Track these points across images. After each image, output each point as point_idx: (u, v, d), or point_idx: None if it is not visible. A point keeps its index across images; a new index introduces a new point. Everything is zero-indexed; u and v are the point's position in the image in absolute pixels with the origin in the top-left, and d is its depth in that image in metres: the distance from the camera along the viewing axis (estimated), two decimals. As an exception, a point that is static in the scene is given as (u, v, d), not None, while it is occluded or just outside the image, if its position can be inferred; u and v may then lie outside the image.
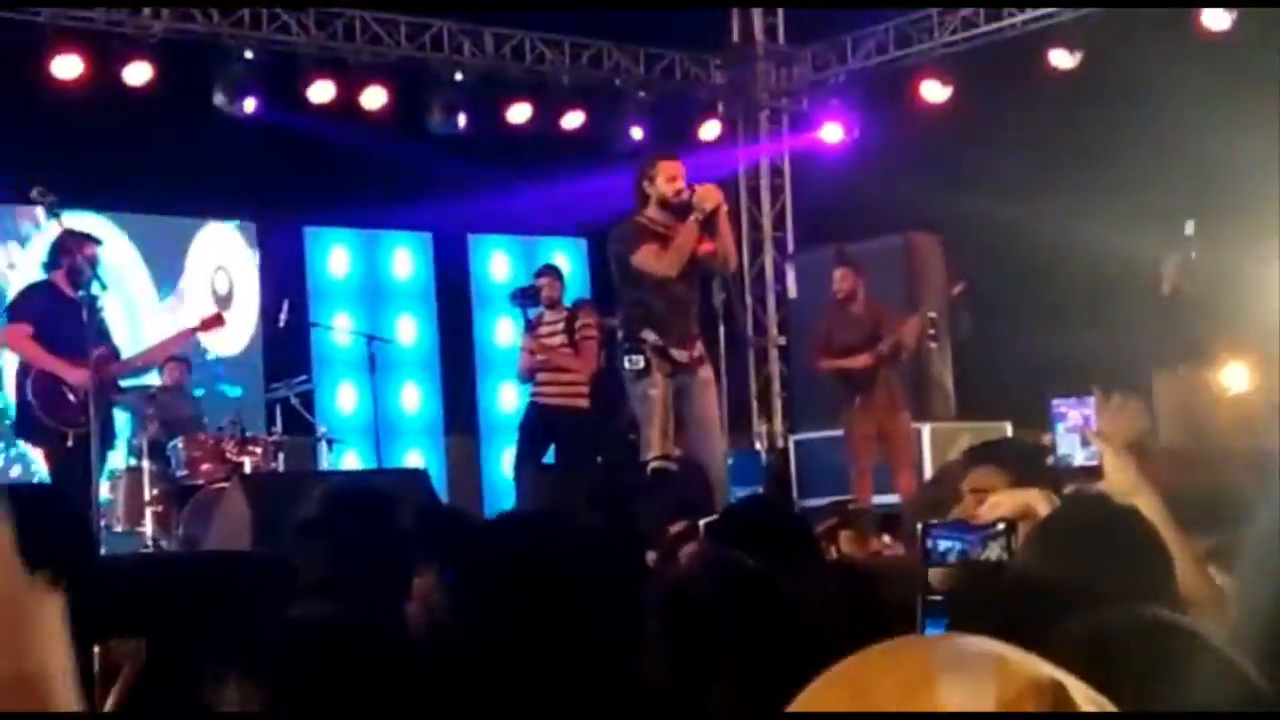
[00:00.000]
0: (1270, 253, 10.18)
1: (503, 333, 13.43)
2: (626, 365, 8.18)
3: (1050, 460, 2.78)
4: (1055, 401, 2.77)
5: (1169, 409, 9.89)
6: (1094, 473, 2.68)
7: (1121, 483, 2.54)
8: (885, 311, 10.58)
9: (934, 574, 2.41)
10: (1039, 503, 2.69)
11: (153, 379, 9.90)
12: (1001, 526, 2.69)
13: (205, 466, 9.52)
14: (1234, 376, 10.70)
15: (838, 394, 10.57)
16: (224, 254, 12.78)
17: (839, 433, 10.89)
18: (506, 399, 13.27)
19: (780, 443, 13.26)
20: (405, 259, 13.48)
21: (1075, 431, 2.74)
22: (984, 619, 1.67)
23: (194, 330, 9.71)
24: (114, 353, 8.80)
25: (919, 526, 2.77)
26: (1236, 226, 10.13)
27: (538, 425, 10.37)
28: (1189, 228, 10.35)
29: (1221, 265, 9.99)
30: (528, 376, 10.55)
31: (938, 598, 2.52)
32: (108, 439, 8.70)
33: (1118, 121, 11.27)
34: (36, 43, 10.97)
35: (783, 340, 14.02)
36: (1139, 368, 10.07)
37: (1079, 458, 2.72)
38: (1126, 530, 2.22)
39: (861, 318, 10.46)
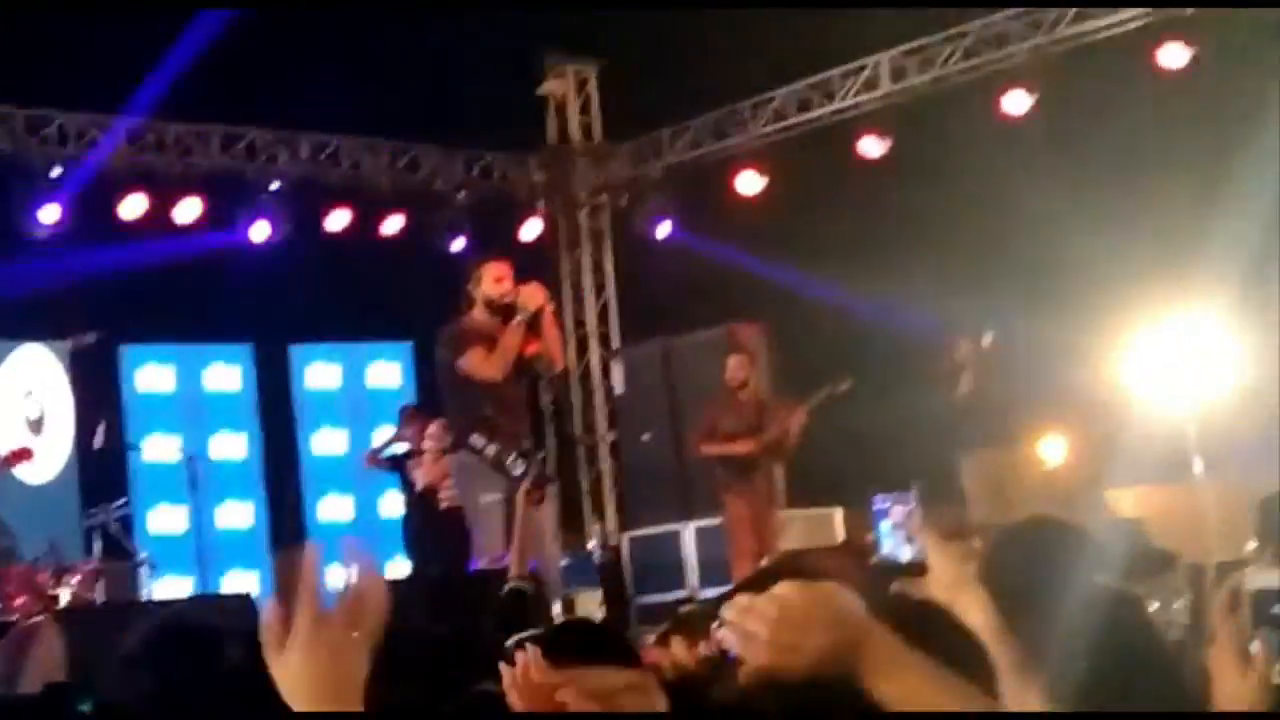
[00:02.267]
0: (1086, 326, 10.44)
1: (326, 443, 13.21)
2: (454, 471, 8.07)
3: (874, 559, 2.75)
4: (877, 498, 2.74)
5: (980, 489, 10.04)
6: (919, 569, 2.64)
7: (946, 579, 2.49)
8: (771, 401, 10.63)
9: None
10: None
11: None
12: None
13: (19, 600, 9.12)
14: (1050, 450, 10.90)
15: (720, 481, 10.53)
16: (36, 377, 12.37)
17: (673, 528, 10.85)
18: (332, 510, 13.03)
19: (614, 541, 13.18)
20: (224, 372, 13.17)
21: (900, 528, 2.71)
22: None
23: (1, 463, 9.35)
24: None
25: (713, 628, 2.72)
26: (1056, 299, 10.37)
27: None
28: (987, 339, 10.54)
29: (1039, 337, 10.20)
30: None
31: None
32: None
33: (929, 205, 11.50)
34: None
35: (613, 436, 13.98)
36: (951, 449, 10.24)
37: (904, 554, 2.69)
38: (940, 637, 2.17)
39: (748, 406, 10.50)
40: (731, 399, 10.56)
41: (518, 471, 7.76)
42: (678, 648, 4.86)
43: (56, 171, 11.64)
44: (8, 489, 10.79)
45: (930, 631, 2.12)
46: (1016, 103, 11.43)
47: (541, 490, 7.34)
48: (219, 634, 3.89)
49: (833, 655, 1.83)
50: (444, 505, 10.00)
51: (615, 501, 13.84)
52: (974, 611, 2.35)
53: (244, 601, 7.71)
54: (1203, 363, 10.21)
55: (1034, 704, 2.23)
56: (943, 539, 2.56)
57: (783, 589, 1.83)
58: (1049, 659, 2.31)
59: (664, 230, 13.50)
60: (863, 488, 10.76)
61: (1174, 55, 10.78)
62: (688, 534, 11.36)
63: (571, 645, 2.28)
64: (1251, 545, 4.59)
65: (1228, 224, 9.47)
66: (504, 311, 8.00)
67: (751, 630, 1.84)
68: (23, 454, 9.20)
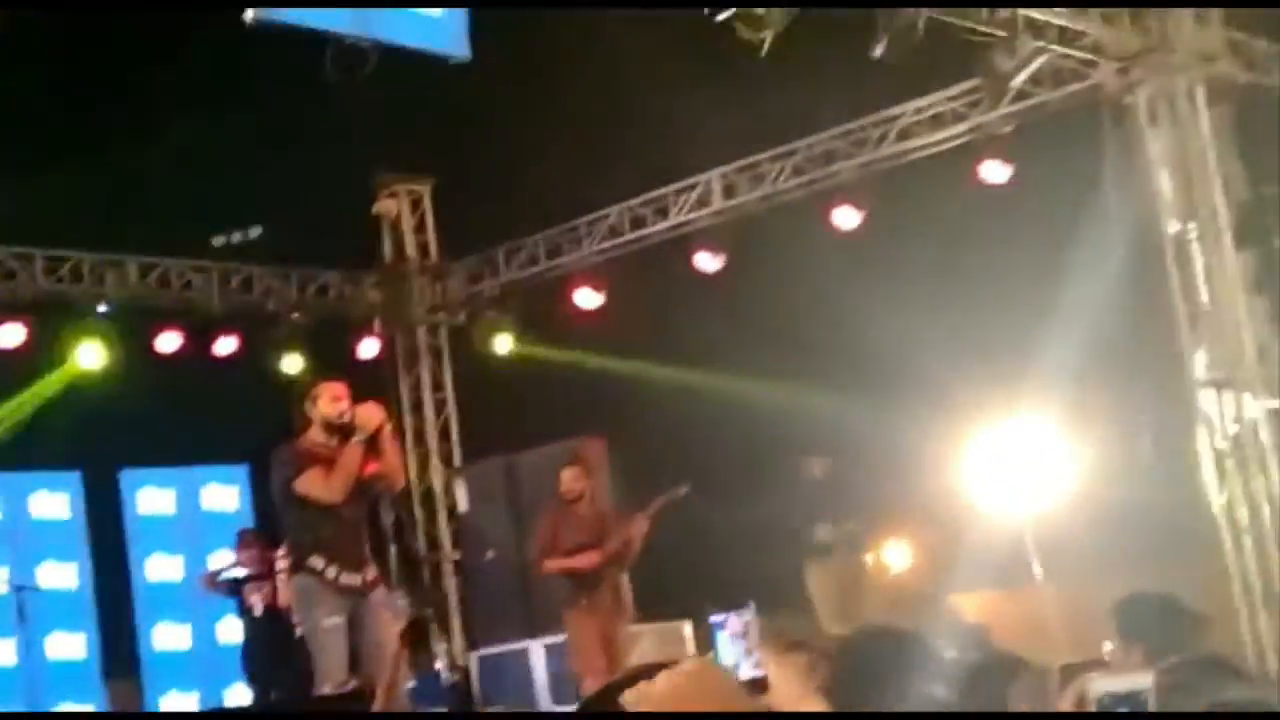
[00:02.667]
0: (925, 433, 10.63)
1: (161, 569, 12.88)
2: (294, 595, 7.92)
3: None
4: (714, 617, 2.72)
5: (825, 597, 10.08)
6: (760, 685, 2.63)
7: (788, 693, 2.49)
8: (610, 512, 10.52)
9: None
10: None
11: None
12: None
13: None
14: (894, 555, 11.06)
15: (561, 597, 10.35)
16: None
17: (521, 645, 10.72)
18: (166, 637, 12.68)
19: (461, 660, 12.99)
20: (49, 499, 12.79)
21: (739, 639, 2.69)
22: None
23: None
24: None
25: None
26: (894, 408, 10.55)
27: None
28: (814, 467, 10.61)
29: (880, 445, 10.35)
30: None
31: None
32: None
33: (767, 316, 11.67)
34: None
35: (457, 555, 13.83)
36: (795, 557, 10.29)
37: (745, 668, 2.67)
38: None
39: (588, 518, 10.35)
40: (569, 513, 10.46)
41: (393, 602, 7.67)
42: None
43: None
44: None
45: None
46: (846, 218, 11.68)
47: (416, 632, 7.25)
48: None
49: None
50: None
51: (461, 620, 13.66)
52: None
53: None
54: (1037, 468, 10.44)
55: None
56: (784, 652, 2.56)
57: (666, 676, 1.83)
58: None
59: (503, 346, 13.50)
60: (708, 600, 10.78)
61: (995, 171, 11.12)
62: (536, 651, 11.25)
63: None
64: (1109, 646, 4.65)
65: (1055, 332, 9.75)
66: (341, 431, 7.90)
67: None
68: None
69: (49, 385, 12.08)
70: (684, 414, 11.31)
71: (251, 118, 11.58)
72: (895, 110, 11.72)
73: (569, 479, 10.41)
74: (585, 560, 10.19)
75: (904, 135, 11.75)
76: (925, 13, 9.10)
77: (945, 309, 10.92)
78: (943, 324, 10.74)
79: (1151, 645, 3.68)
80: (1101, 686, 2.88)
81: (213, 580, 11.67)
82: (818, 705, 2.41)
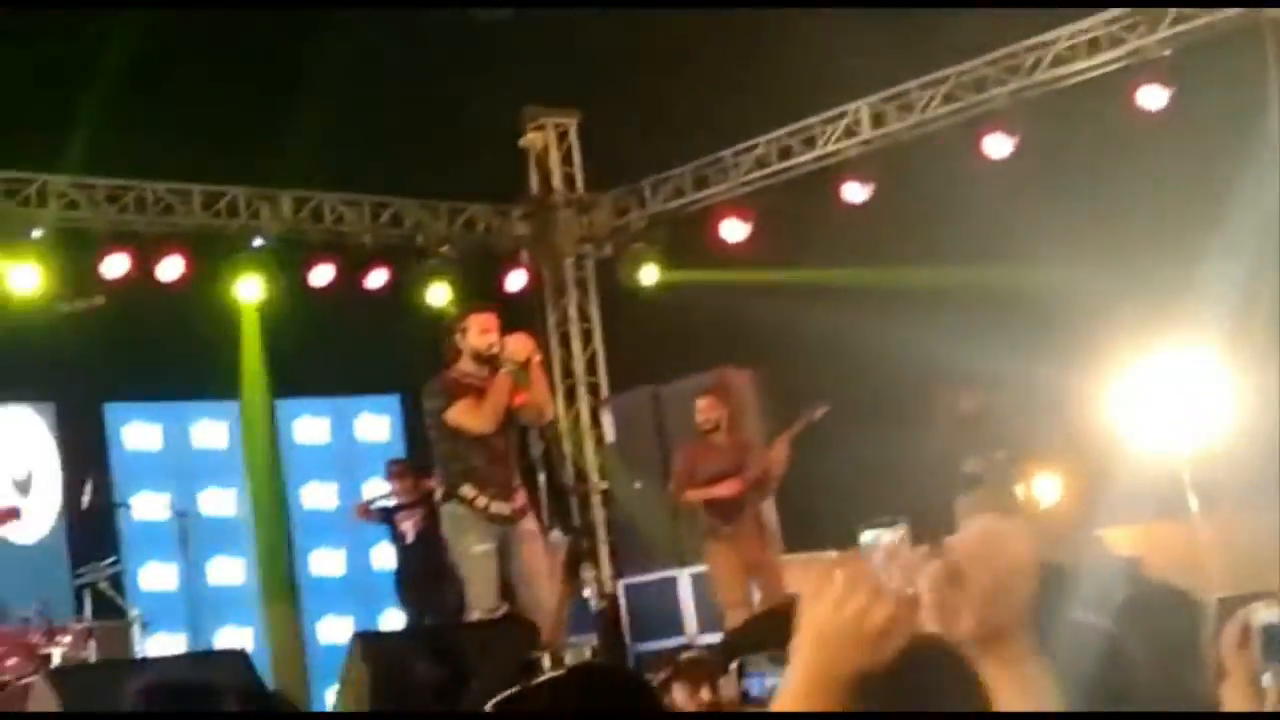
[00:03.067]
0: (1077, 365, 10.46)
1: (316, 496, 13.17)
2: (445, 522, 8.07)
3: None
4: (866, 533, 2.70)
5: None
6: (911, 602, 2.61)
7: (941, 619, 2.47)
8: (750, 441, 10.48)
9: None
10: None
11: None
12: None
13: (10, 661, 9.07)
14: (1044, 489, 10.91)
15: (702, 528, 10.32)
16: (22, 438, 12.34)
17: (669, 574, 10.78)
18: (322, 563, 12.99)
19: (609, 588, 13.14)
20: (209, 429, 13.15)
21: (889, 558, 2.66)
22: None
23: (-12, 525, 9.30)
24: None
25: (735, 667, 2.70)
26: (1046, 338, 10.38)
27: None
28: (965, 400, 10.47)
29: (1030, 377, 10.20)
30: None
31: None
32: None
33: (913, 248, 11.54)
34: None
35: (604, 485, 13.95)
36: (945, 489, 10.19)
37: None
38: (948, 680, 2.16)
39: (726, 447, 10.33)
40: (706, 442, 10.43)
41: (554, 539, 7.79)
42: (679, 694, 4.85)
43: (38, 233, 11.64)
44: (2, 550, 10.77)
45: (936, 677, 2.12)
46: (997, 145, 11.49)
47: (574, 573, 7.39)
48: (214, 689, 3.88)
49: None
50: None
51: (609, 549, 13.80)
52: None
53: (237, 657, 7.66)
54: (1196, 400, 10.23)
55: None
56: (939, 579, 2.54)
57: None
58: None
59: (649, 278, 13.52)
60: (854, 528, 10.73)
61: (1152, 96, 10.85)
62: (684, 580, 11.32)
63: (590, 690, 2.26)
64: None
65: (1216, 260, 9.52)
66: (491, 362, 8.01)
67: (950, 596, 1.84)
68: (9, 514, 9.14)
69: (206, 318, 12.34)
70: (831, 345, 11.23)
71: (401, 53, 11.70)
72: (1049, 35, 11.48)
73: (704, 408, 10.39)
74: (724, 489, 10.17)
75: (1058, 61, 11.51)
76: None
77: (1098, 238, 10.70)
78: (1095, 253, 10.53)
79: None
80: (1265, 616, 2.83)
81: (366, 509, 11.93)
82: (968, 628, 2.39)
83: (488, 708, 2.30)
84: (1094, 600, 3.02)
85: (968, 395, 10.46)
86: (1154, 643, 2.79)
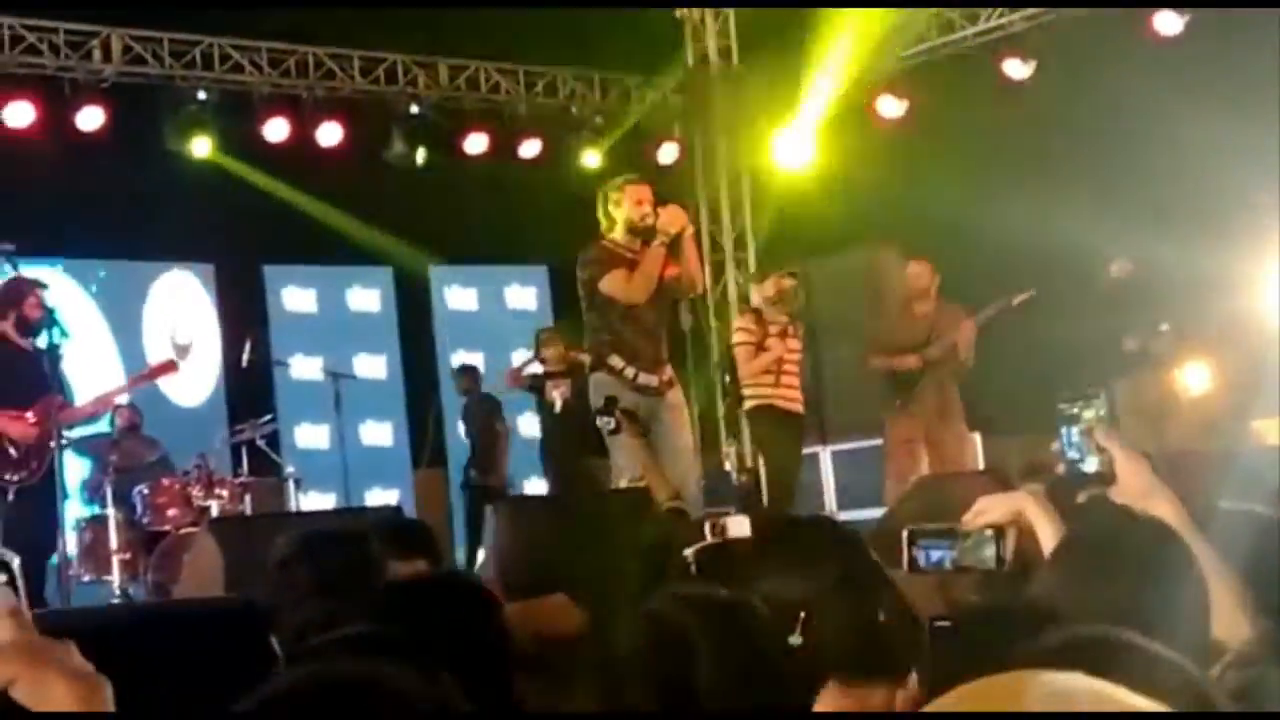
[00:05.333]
0: (1233, 253, 10.21)
1: (463, 363, 13.36)
2: (599, 423, 8.09)
3: (1060, 468, 2.69)
4: (1062, 405, 2.68)
5: (1131, 414, 9.82)
6: (1105, 479, 2.60)
7: (1137, 488, 2.46)
8: (946, 313, 10.26)
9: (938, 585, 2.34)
10: (1029, 506, 2.60)
11: (105, 427, 9.70)
12: (990, 533, 2.62)
13: (172, 512, 9.40)
14: (1194, 377, 10.70)
15: (885, 395, 10.25)
16: (183, 298, 12.66)
17: (811, 450, 10.78)
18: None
19: (750, 463, 13.19)
20: (365, 293, 13.39)
21: (1085, 435, 2.66)
22: (1000, 649, 1.59)
23: (145, 376, 9.54)
24: (68, 403, 8.52)
25: (905, 535, 2.71)
26: (1202, 225, 10.14)
27: None
28: (1119, 266, 10.32)
29: (1184, 263, 9.98)
30: None
31: (946, 623, 2.43)
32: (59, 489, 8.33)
33: (1071, 129, 11.28)
34: (-14, 90, 10.89)
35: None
36: (1098, 371, 10.02)
37: (1090, 464, 2.64)
38: (1155, 548, 2.14)
39: (920, 319, 10.15)
40: (905, 311, 10.28)
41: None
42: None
43: (202, 96, 11.85)
44: (159, 408, 11.10)
45: (1144, 544, 2.12)
46: (1167, 23, 11.16)
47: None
48: (365, 536, 4.00)
49: None
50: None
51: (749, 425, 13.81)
52: (1170, 515, 2.33)
53: (391, 514, 7.85)
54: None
55: (1235, 607, 2.19)
56: (1131, 450, 2.53)
57: None
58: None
59: (801, 155, 13.39)
60: (1003, 413, 10.63)
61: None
62: (825, 457, 11.33)
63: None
64: None
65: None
66: (644, 234, 8.00)
67: None
68: (169, 366, 9.35)
69: (362, 185, 12.48)
70: (984, 225, 11.05)
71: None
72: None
73: (914, 274, 10.24)
74: (904, 361, 10.09)
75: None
76: None
77: (1267, 125, 10.36)
78: (1263, 141, 10.20)
79: None
80: None
81: (516, 377, 12.08)
82: (1165, 503, 2.38)
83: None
84: (1250, 488, 2.98)
85: (1118, 264, 10.27)
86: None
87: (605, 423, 7.70)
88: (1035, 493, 2.66)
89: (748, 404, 9.67)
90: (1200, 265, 10.03)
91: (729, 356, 9.81)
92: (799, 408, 9.63)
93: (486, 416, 12.34)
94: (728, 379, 9.95)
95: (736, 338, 9.77)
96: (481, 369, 12.87)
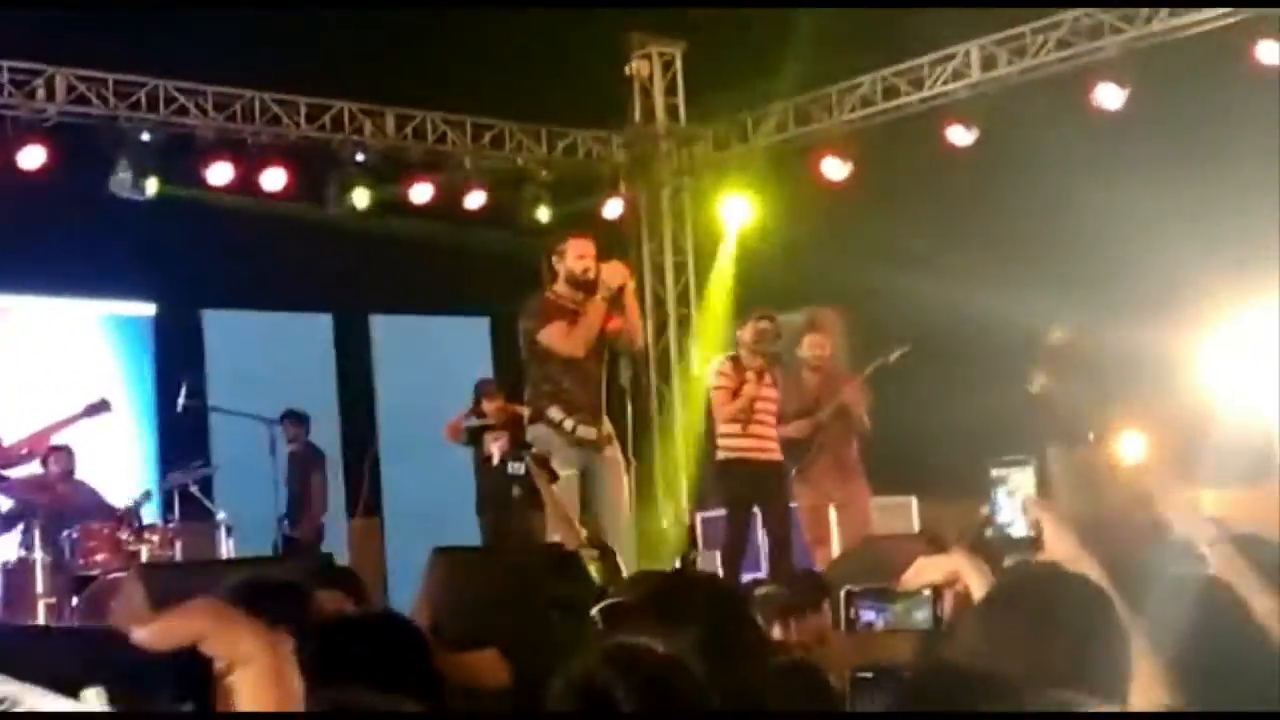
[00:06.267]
0: (1168, 323, 10.32)
1: (401, 413, 13.29)
2: (510, 469, 8.06)
3: (989, 531, 2.71)
4: (993, 470, 2.71)
5: (1064, 482, 9.89)
6: (1032, 544, 2.62)
7: (1063, 555, 2.48)
8: (833, 378, 10.39)
9: (872, 644, 2.35)
10: (966, 568, 2.61)
11: (36, 468, 9.58)
12: (927, 594, 2.62)
13: (100, 556, 9.27)
14: (1129, 447, 10.79)
15: (786, 462, 10.31)
16: (118, 338, 12.55)
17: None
18: (409, 482, 13.10)
19: (686, 520, 13.18)
20: (305, 340, 13.30)
21: (1015, 498, 2.68)
22: (929, 700, 1.59)
23: (79, 416, 9.42)
24: (-2, 444, 8.42)
25: (841, 595, 2.71)
26: (1138, 294, 10.25)
27: None
28: (1055, 334, 10.43)
29: (1119, 333, 10.09)
30: None
31: (868, 674, 2.44)
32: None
33: (1013, 197, 11.40)
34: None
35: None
36: (1033, 440, 10.09)
37: (1019, 528, 2.66)
38: (1082, 604, 2.15)
39: (813, 385, 10.29)
40: (798, 379, 10.40)
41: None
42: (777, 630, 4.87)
43: (146, 137, 11.79)
44: (91, 450, 10.96)
45: (1069, 598, 2.12)
46: (1109, 96, 11.31)
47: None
48: (303, 588, 3.94)
49: None
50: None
51: (688, 481, 13.82)
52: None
53: (324, 561, 7.77)
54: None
55: (1154, 678, 2.20)
56: (1059, 515, 2.55)
57: None
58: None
59: (744, 214, 13.47)
60: (939, 478, 10.68)
61: (1269, 53, 10.62)
62: (759, 517, 11.32)
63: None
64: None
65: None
66: (586, 287, 8.03)
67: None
68: (101, 406, 9.25)
69: (306, 230, 12.43)
70: (923, 290, 11.13)
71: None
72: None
73: (811, 344, 10.36)
74: (796, 429, 10.16)
75: (1175, 13, 11.28)
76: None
77: (1200, 195, 10.51)
78: (1197, 211, 10.35)
79: None
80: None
81: (455, 430, 12.01)
82: (1091, 568, 2.40)
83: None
84: (1182, 558, 3.00)
85: (1057, 328, 10.37)
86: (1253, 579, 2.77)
87: (515, 468, 7.71)
88: (971, 555, 2.67)
89: (719, 456, 9.74)
90: (1137, 336, 10.14)
91: (707, 407, 9.91)
92: (775, 455, 9.66)
93: (305, 467, 12.18)
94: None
95: (713, 382, 9.87)
96: (421, 419, 12.78)
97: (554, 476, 7.69)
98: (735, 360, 9.76)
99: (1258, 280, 9.95)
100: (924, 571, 2.63)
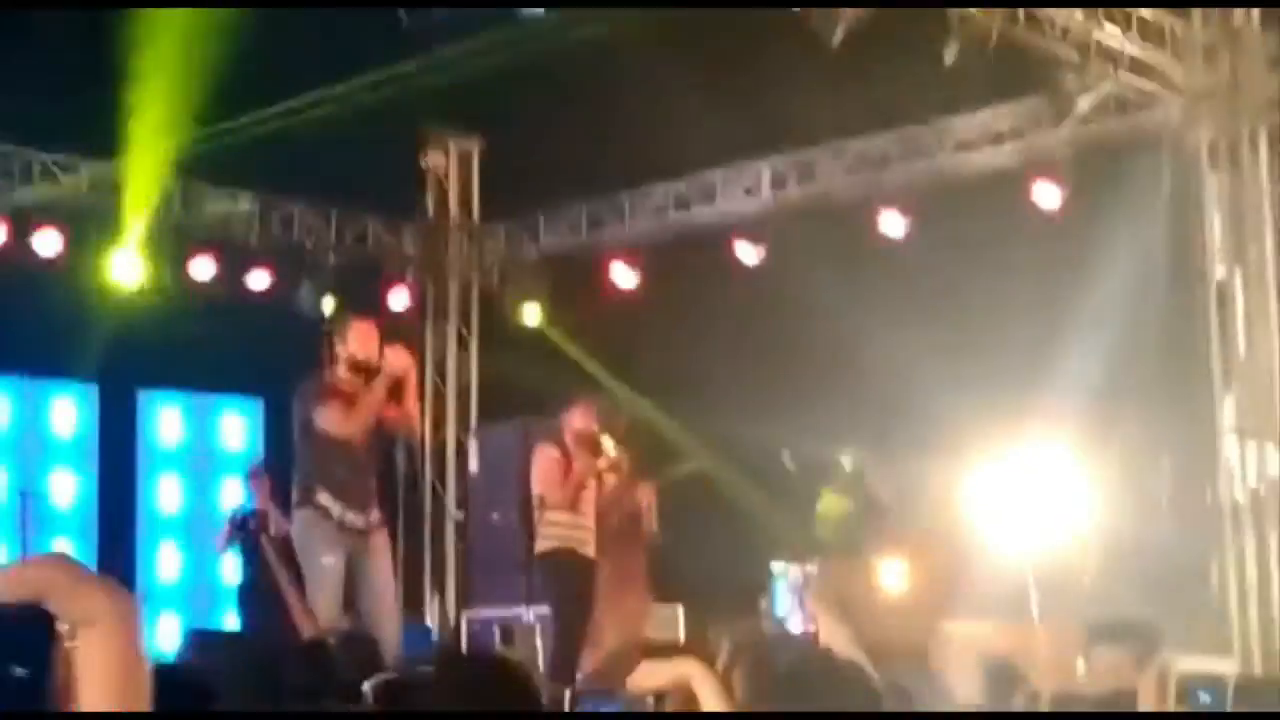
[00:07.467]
0: (935, 455, 10.53)
1: (168, 494, 12.88)
2: (296, 529, 7.92)
3: (766, 624, 2.71)
4: (775, 564, 2.70)
5: (826, 599, 9.94)
6: (812, 638, 2.63)
7: (838, 647, 2.48)
8: (620, 488, 10.32)
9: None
10: (695, 672, 2.64)
11: None
12: (651, 699, 2.66)
13: None
14: (892, 574, 10.94)
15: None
16: None
17: (512, 611, 10.65)
18: (168, 564, 12.68)
19: (452, 620, 12.97)
20: (67, 411, 12.80)
21: (794, 592, 2.68)
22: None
23: None
24: None
25: (567, 694, 2.72)
26: (907, 425, 10.46)
27: None
28: (786, 459, 10.62)
29: (899, 467, 10.29)
30: None
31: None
32: None
33: (798, 319, 11.55)
34: None
35: (460, 515, 13.76)
36: (794, 551, 10.17)
37: (795, 621, 2.66)
38: (859, 694, 2.14)
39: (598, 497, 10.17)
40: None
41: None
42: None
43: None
44: None
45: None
46: (892, 224, 11.59)
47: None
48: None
49: None
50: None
51: (456, 582, 13.61)
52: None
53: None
54: (1044, 502, 10.27)
55: None
56: (837, 612, 2.57)
57: None
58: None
59: (532, 317, 13.47)
60: (705, 588, 10.69)
61: (1048, 194, 10.99)
62: (529, 617, 11.20)
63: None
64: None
65: (1073, 363, 9.67)
66: (367, 372, 7.90)
67: None
68: None
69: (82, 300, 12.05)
70: (698, 410, 11.23)
71: (313, 51, 11.49)
72: (954, 121, 11.62)
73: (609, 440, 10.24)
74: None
75: (961, 147, 11.65)
76: (1000, 23, 9.04)
77: (981, 328, 10.81)
78: (974, 344, 10.64)
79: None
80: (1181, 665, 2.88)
81: (223, 540, 11.67)
82: (867, 663, 2.41)
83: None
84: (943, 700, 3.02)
85: (786, 456, 10.52)
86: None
87: (242, 537, 7.56)
88: (702, 664, 2.70)
89: (539, 546, 9.35)
90: (914, 467, 10.35)
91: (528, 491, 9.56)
92: (589, 550, 9.30)
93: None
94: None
95: (540, 456, 9.45)
96: (183, 499, 12.43)
97: (297, 571, 7.50)
98: (559, 439, 9.43)
99: (1027, 419, 10.18)
100: (651, 675, 2.68)
